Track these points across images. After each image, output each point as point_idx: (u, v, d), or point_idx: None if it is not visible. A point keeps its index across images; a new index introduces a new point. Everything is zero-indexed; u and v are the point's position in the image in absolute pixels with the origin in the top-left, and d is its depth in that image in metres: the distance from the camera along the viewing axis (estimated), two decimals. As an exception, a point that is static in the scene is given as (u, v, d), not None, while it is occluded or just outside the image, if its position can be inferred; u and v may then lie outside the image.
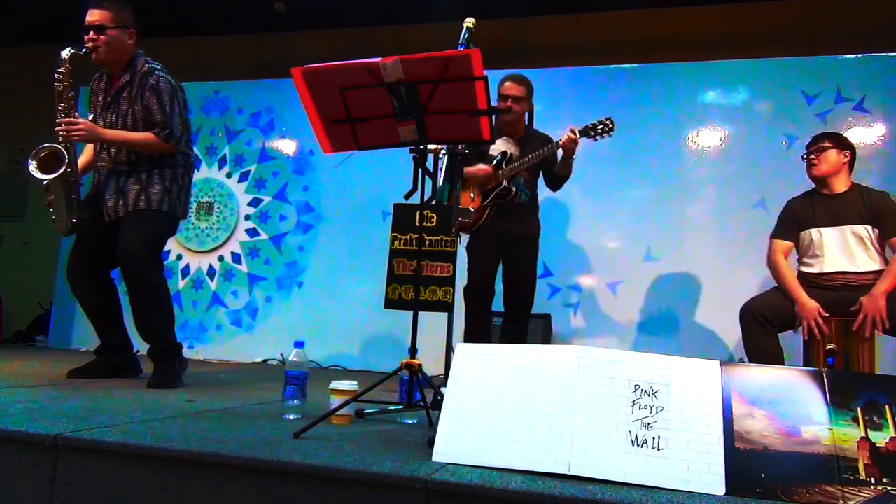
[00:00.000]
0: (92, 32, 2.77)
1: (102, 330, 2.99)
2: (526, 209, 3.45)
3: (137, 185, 2.82)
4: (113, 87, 2.89)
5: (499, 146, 3.44)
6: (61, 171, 2.72)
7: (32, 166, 2.74)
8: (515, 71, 3.54)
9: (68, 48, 2.75)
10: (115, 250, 2.80)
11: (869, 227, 2.85)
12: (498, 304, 3.50)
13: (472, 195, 3.42)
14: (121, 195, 2.82)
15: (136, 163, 2.84)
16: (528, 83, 3.46)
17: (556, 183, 3.50)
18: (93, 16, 2.78)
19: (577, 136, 3.20)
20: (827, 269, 2.88)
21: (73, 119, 2.72)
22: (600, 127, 3.22)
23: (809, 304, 2.78)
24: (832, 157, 2.93)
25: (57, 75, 2.74)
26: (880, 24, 4.65)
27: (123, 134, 2.81)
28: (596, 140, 3.25)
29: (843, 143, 2.96)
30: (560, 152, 3.32)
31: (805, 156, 3.02)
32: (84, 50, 2.78)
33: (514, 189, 3.36)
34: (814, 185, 3.04)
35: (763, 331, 2.82)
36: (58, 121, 2.73)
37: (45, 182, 2.75)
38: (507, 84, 3.42)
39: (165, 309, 2.86)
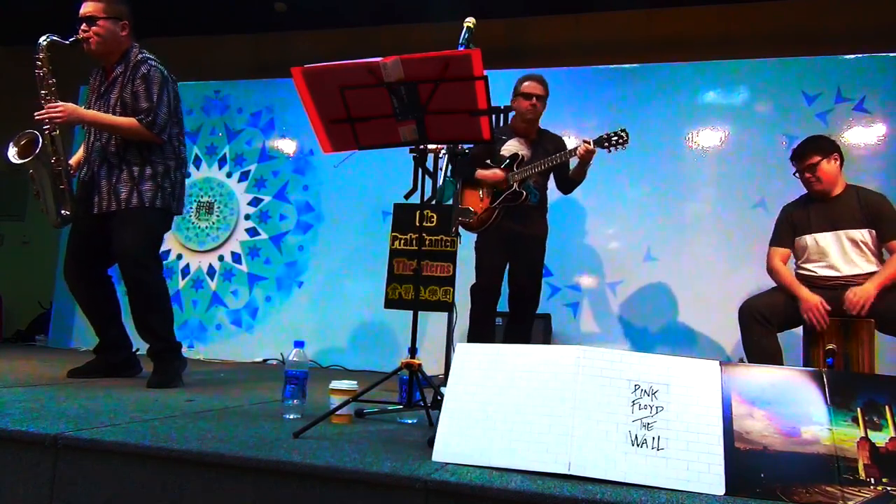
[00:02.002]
0: (84, 24, 2.79)
1: (101, 329, 2.98)
2: (535, 210, 3.45)
3: (130, 181, 2.80)
4: (107, 79, 2.89)
5: (510, 147, 3.44)
6: (35, 153, 2.70)
7: (11, 152, 2.73)
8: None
9: (47, 35, 2.76)
10: (111, 248, 2.79)
11: (864, 231, 2.84)
12: (502, 305, 3.51)
13: (481, 195, 3.42)
14: (112, 189, 2.80)
15: (125, 155, 2.81)
16: (547, 83, 3.47)
17: (568, 187, 3.51)
18: (85, 8, 2.80)
19: (593, 146, 3.20)
20: (824, 274, 2.89)
21: (52, 104, 2.72)
22: (615, 138, 3.22)
23: (811, 297, 2.79)
24: (825, 167, 2.91)
25: (36, 62, 2.75)
26: (880, 24, 4.65)
27: (105, 116, 2.79)
28: (610, 151, 3.25)
29: (828, 149, 2.93)
30: (575, 159, 3.32)
31: (797, 173, 2.99)
32: (71, 39, 2.78)
33: (524, 193, 3.35)
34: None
35: (762, 330, 2.82)
36: (42, 105, 2.73)
37: (30, 172, 2.74)
38: (529, 83, 3.40)
39: (164, 308, 2.86)
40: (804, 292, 2.82)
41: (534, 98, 3.37)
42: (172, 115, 2.87)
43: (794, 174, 3.03)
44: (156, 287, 2.82)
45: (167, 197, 2.86)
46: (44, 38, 2.75)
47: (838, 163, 2.93)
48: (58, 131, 2.78)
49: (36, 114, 2.72)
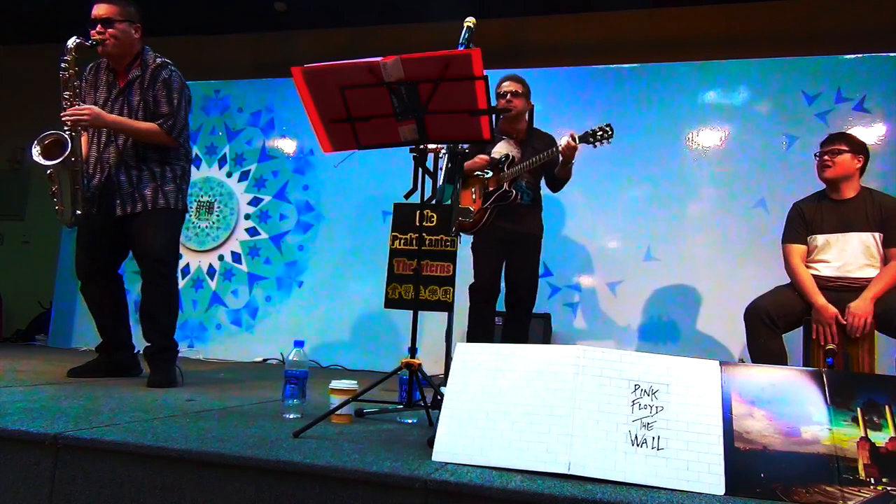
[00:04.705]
0: (99, 26, 2.80)
1: (109, 328, 2.99)
2: (528, 209, 3.46)
3: (153, 182, 2.86)
4: (119, 80, 2.90)
5: (500, 148, 3.45)
6: (64, 156, 2.71)
7: (36, 152, 2.72)
8: (515, 71, 3.55)
9: (74, 37, 2.77)
10: (128, 247, 2.86)
11: (876, 235, 2.83)
12: (499, 304, 3.51)
13: (473, 196, 3.43)
14: (135, 190, 2.84)
15: (144, 157, 2.86)
16: (525, 82, 3.49)
17: (555, 185, 3.53)
18: (100, 10, 2.82)
19: (577, 142, 3.21)
20: (831, 275, 2.88)
21: (79, 106, 2.74)
22: (600, 133, 3.24)
23: (829, 309, 2.78)
24: (846, 160, 2.89)
25: (63, 64, 2.76)
26: (880, 24, 4.65)
27: (127, 121, 2.83)
28: (595, 146, 3.26)
29: (858, 147, 2.93)
30: (560, 156, 3.33)
31: (818, 155, 2.98)
32: (91, 42, 2.80)
33: (514, 192, 3.37)
34: (823, 187, 3.03)
35: (769, 332, 2.81)
36: (64, 106, 2.74)
37: (48, 171, 2.74)
38: (504, 83, 3.46)
39: (175, 309, 2.94)
40: (821, 301, 2.80)
41: (508, 95, 3.41)
42: (187, 120, 2.94)
43: (814, 155, 3.02)
44: (172, 287, 2.90)
45: (185, 199, 2.97)
46: (71, 40, 2.77)
47: (861, 165, 2.92)
48: (78, 132, 2.79)
49: (62, 115, 2.74)
